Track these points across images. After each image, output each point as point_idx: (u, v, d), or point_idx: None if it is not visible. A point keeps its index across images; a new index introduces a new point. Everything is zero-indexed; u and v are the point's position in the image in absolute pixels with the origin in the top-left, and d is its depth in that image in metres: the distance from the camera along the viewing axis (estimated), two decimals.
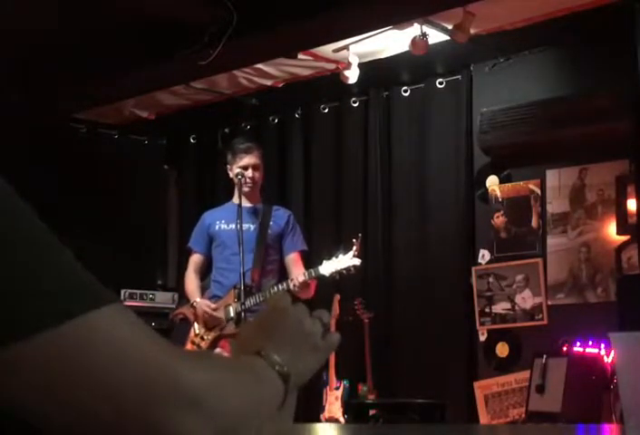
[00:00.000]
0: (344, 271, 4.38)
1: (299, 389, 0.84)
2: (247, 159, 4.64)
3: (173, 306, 5.32)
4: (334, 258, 4.40)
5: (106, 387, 0.61)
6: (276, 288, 4.45)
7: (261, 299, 4.39)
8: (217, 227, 4.72)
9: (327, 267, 4.38)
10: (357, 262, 4.39)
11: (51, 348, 0.59)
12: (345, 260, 4.37)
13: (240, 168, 4.63)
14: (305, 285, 4.41)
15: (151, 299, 6.26)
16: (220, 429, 0.65)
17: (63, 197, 6.06)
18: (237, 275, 4.44)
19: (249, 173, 4.63)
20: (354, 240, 4.43)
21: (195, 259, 4.83)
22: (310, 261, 4.73)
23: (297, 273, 4.54)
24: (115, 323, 0.63)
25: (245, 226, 4.57)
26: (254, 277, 4.51)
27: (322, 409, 5.34)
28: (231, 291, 4.53)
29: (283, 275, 4.69)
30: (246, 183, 4.61)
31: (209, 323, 4.60)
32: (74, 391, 0.60)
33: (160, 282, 6.80)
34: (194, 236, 4.87)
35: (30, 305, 0.59)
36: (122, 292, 6.06)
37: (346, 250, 4.42)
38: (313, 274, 4.42)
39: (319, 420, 5.22)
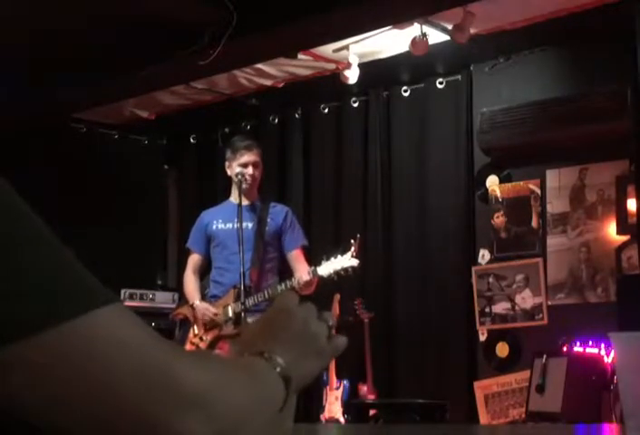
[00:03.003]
0: (343, 272, 4.36)
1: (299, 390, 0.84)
2: (248, 157, 4.61)
3: (173, 306, 5.32)
4: (332, 259, 4.37)
5: (106, 387, 0.60)
6: (282, 286, 4.41)
7: (260, 299, 4.37)
8: (214, 226, 4.70)
9: (325, 268, 4.35)
10: (355, 263, 4.35)
11: (51, 348, 0.59)
12: (344, 261, 4.34)
13: (241, 165, 4.59)
14: (308, 283, 4.38)
15: (151, 299, 6.26)
16: (220, 429, 0.65)
17: (63, 197, 6.06)
18: (236, 275, 4.42)
19: (249, 171, 4.60)
20: (352, 241, 4.40)
21: (194, 259, 4.81)
22: (310, 261, 4.72)
23: (303, 270, 4.50)
24: (115, 323, 0.63)
25: (243, 224, 4.55)
26: (253, 277, 4.49)
27: (322, 409, 5.34)
28: (230, 291, 4.52)
29: (282, 272, 4.67)
30: (246, 181, 4.59)
31: (208, 324, 4.59)
32: (74, 392, 0.60)
33: (159, 282, 6.79)
34: (192, 235, 4.85)
35: (30, 305, 0.59)
36: (122, 292, 6.06)
37: (345, 250, 4.40)
38: (311, 274, 4.40)
39: (319, 420, 5.22)
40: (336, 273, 4.35)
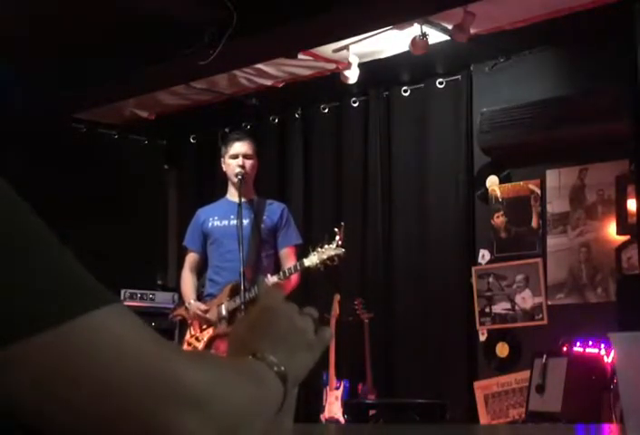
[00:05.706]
0: (328, 261, 4.32)
1: (298, 388, 0.84)
2: (239, 147, 4.56)
3: (173, 306, 5.32)
4: (318, 249, 4.34)
5: (107, 387, 0.61)
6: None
7: (252, 297, 4.31)
8: (210, 224, 4.67)
9: (311, 259, 4.32)
10: (341, 251, 4.32)
11: (51, 348, 0.59)
12: (329, 250, 4.32)
13: (232, 157, 4.55)
14: (279, 285, 4.32)
15: (151, 299, 6.26)
16: (221, 429, 0.65)
17: (63, 197, 6.05)
18: (232, 273, 4.39)
19: (239, 161, 4.53)
20: (336, 229, 4.37)
21: (190, 258, 4.78)
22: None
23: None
24: (116, 323, 0.63)
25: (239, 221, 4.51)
26: (248, 274, 4.42)
27: (322, 409, 5.34)
28: (224, 289, 4.50)
29: (278, 269, 4.65)
30: (238, 174, 4.49)
31: (203, 324, 4.57)
32: (75, 391, 0.60)
33: (160, 282, 6.80)
34: (189, 234, 4.82)
35: (30, 305, 0.59)
36: (122, 292, 6.06)
37: (330, 240, 4.36)
38: (298, 267, 4.37)
39: (319, 420, 5.22)
40: (322, 262, 4.31)
